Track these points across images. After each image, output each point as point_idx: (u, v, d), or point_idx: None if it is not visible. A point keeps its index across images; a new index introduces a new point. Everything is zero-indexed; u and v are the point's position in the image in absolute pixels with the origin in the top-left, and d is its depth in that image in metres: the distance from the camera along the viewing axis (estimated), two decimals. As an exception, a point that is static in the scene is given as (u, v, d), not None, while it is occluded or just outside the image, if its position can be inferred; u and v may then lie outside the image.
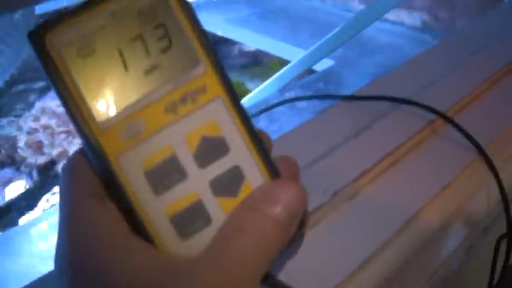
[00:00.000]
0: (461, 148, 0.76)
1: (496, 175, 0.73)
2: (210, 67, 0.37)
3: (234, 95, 0.37)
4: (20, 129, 1.71)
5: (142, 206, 0.35)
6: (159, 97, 0.36)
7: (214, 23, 2.27)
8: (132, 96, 0.35)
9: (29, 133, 1.68)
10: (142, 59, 0.36)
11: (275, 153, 0.41)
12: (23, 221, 1.34)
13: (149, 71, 0.36)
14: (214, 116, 0.37)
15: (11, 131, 1.70)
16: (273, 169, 0.38)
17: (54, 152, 1.61)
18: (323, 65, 1.71)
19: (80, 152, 0.37)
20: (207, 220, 0.36)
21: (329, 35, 1.39)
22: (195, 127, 0.36)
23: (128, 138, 0.35)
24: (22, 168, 1.56)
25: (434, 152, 0.76)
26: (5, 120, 1.74)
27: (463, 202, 0.70)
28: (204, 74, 0.36)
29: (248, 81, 1.96)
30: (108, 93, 0.35)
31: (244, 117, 0.37)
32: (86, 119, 0.35)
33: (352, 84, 1.64)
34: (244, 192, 0.37)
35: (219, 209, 0.36)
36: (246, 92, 1.61)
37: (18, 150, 1.63)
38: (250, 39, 2.16)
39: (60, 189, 0.37)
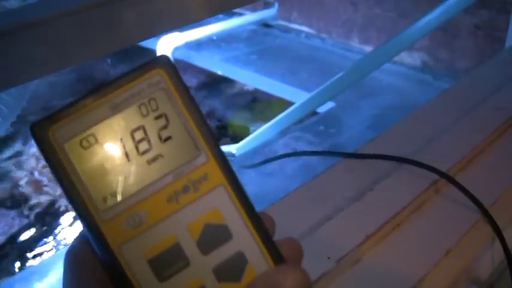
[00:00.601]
0: (464, 208, 0.76)
1: (500, 234, 0.72)
2: (211, 156, 0.37)
3: (236, 182, 0.37)
4: (21, 168, 1.71)
5: None
6: (161, 187, 0.36)
7: (214, 62, 2.28)
8: (134, 186, 0.35)
9: (30, 173, 1.69)
10: (144, 149, 0.36)
11: (280, 215, 0.41)
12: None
13: (151, 161, 0.36)
14: (217, 204, 0.37)
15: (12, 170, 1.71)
16: (275, 254, 0.37)
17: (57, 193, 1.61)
18: (324, 106, 1.71)
19: (83, 238, 0.37)
20: None
21: (334, 78, 1.40)
22: (198, 215, 0.36)
23: (131, 228, 0.35)
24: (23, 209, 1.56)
25: (437, 214, 0.76)
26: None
27: (467, 264, 0.70)
28: (205, 163, 0.37)
29: (248, 121, 1.96)
30: (110, 184, 0.35)
31: (246, 204, 0.37)
32: (89, 208, 0.35)
33: (352, 127, 1.65)
34: (247, 277, 0.36)
35: None
36: (247, 132, 1.61)
37: (19, 188, 1.63)
38: (250, 78, 2.17)
39: (64, 275, 0.36)
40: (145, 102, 0.36)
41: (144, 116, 0.36)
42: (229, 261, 0.36)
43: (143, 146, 0.36)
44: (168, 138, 0.36)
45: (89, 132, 0.35)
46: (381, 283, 0.66)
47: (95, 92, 0.36)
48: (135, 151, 0.36)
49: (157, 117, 0.36)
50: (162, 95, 0.36)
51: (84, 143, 0.35)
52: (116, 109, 0.36)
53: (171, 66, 0.37)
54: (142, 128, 0.36)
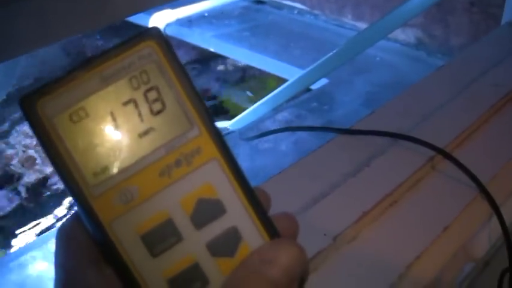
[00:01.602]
0: (461, 185, 0.76)
1: (497, 211, 0.72)
2: (204, 129, 0.36)
3: (230, 156, 0.37)
4: (11, 146, 1.70)
5: (139, 270, 0.34)
6: (153, 161, 0.35)
7: (206, 39, 2.27)
8: (125, 161, 0.35)
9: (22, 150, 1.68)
10: (135, 122, 0.35)
11: (276, 191, 0.40)
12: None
13: (143, 134, 0.35)
14: (210, 178, 0.36)
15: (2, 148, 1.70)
16: (271, 229, 0.37)
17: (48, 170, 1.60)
18: (317, 83, 1.70)
19: (75, 216, 0.36)
20: (204, 281, 0.35)
21: (327, 55, 1.39)
22: (191, 190, 0.36)
23: (122, 203, 0.34)
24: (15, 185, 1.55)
25: (434, 190, 0.75)
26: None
27: (465, 241, 0.69)
28: (198, 136, 0.36)
29: (240, 98, 1.95)
30: (101, 158, 0.34)
31: (240, 178, 0.37)
32: (79, 184, 0.34)
33: (346, 104, 1.64)
34: (242, 253, 0.36)
35: (216, 270, 0.35)
36: (239, 110, 1.60)
37: (11, 166, 1.62)
38: (242, 55, 2.16)
39: (56, 253, 0.36)
40: (136, 75, 0.35)
41: (135, 88, 0.35)
42: (223, 237, 0.36)
43: (134, 119, 0.35)
44: (160, 111, 0.36)
45: (78, 105, 0.34)
46: (377, 260, 0.65)
47: (84, 65, 0.35)
48: (126, 125, 0.35)
49: (148, 90, 0.35)
50: (154, 67, 0.36)
51: (74, 117, 0.34)
52: (106, 82, 0.35)
53: (162, 38, 0.36)
54: (133, 101, 0.35)
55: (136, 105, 0.35)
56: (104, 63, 0.35)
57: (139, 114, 0.35)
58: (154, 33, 0.36)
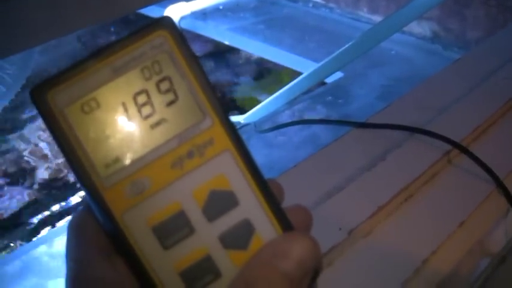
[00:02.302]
0: (478, 179, 0.75)
1: (514, 206, 0.71)
2: (217, 120, 0.36)
3: (243, 147, 0.36)
4: (25, 140, 1.70)
5: (151, 262, 0.34)
6: (165, 152, 0.35)
7: (220, 32, 2.26)
8: (137, 152, 0.34)
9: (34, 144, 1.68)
10: (147, 113, 0.35)
11: (290, 185, 0.40)
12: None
13: (154, 125, 0.35)
14: (223, 169, 0.36)
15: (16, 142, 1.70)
16: (284, 221, 0.37)
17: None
18: (332, 76, 1.69)
19: (86, 207, 0.36)
20: (216, 274, 0.35)
21: (342, 48, 1.38)
22: (203, 181, 0.35)
23: (134, 195, 0.34)
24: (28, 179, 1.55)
25: (450, 185, 0.75)
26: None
27: (481, 236, 0.69)
28: (211, 127, 0.36)
29: (255, 91, 1.94)
30: (112, 149, 0.34)
31: (253, 169, 0.36)
32: (91, 175, 0.34)
33: (361, 98, 1.63)
34: (254, 245, 0.36)
35: (229, 263, 0.35)
36: (255, 103, 1.60)
37: (24, 159, 1.63)
38: (257, 48, 2.15)
39: (67, 245, 0.36)
40: (148, 65, 0.35)
41: (147, 79, 0.35)
42: (235, 229, 0.36)
43: (146, 110, 0.35)
44: (172, 102, 0.35)
45: (90, 96, 0.34)
46: (393, 255, 0.64)
47: (95, 55, 0.35)
48: (138, 115, 0.35)
49: (160, 81, 0.35)
50: (166, 57, 0.35)
51: (85, 108, 0.34)
52: (117, 72, 0.35)
53: (174, 28, 0.36)
54: (145, 91, 0.35)
55: (148, 96, 0.35)
56: (116, 53, 0.35)
57: (151, 105, 0.35)
58: (167, 22, 0.36)
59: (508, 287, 0.69)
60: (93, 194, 0.34)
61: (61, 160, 1.59)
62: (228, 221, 0.36)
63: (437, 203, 0.72)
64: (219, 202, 0.35)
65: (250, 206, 0.36)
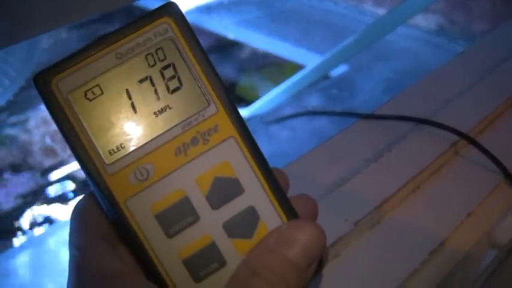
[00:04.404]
0: (485, 170, 0.74)
1: (522, 197, 0.70)
2: (221, 106, 0.36)
3: (248, 134, 0.37)
4: (29, 134, 1.70)
5: (154, 250, 0.34)
6: (169, 139, 0.35)
7: (225, 26, 2.26)
8: (141, 139, 0.35)
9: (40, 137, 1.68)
10: (151, 100, 0.35)
11: (296, 176, 0.41)
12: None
13: (159, 112, 0.35)
14: (227, 156, 0.36)
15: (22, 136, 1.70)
16: (289, 209, 0.37)
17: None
18: (337, 70, 1.69)
19: (90, 195, 0.37)
20: (221, 262, 0.35)
21: (347, 41, 1.37)
22: (207, 168, 0.35)
23: (138, 182, 0.34)
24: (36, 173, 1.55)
25: (457, 176, 0.74)
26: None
27: (489, 228, 0.68)
28: (215, 113, 0.36)
29: (260, 85, 1.94)
30: (116, 136, 0.34)
31: (258, 156, 0.37)
32: (94, 162, 0.34)
33: (366, 91, 1.62)
34: (259, 234, 0.36)
35: (233, 251, 0.35)
36: (258, 97, 1.60)
37: (30, 153, 1.63)
38: (261, 42, 2.15)
39: (70, 232, 0.36)
40: (152, 52, 0.35)
41: (151, 66, 0.35)
42: (240, 217, 0.36)
43: (150, 97, 0.35)
44: (176, 89, 0.36)
45: (94, 82, 0.35)
46: (400, 246, 0.64)
47: (99, 42, 0.35)
48: (142, 102, 0.35)
49: (164, 68, 0.35)
50: (170, 44, 0.36)
51: (89, 94, 0.34)
52: (121, 59, 0.35)
53: (179, 15, 0.36)
54: (149, 78, 0.35)
55: (152, 83, 0.35)
56: (120, 40, 0.35)
57: (156, 92, 0.35)
58: (171, 9, 0.36)
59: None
60: (97, 181, 0.34)
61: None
62: (233, 208, 0.36)
63: (445, 194, 0.71)
64: (224, 189, 0.36)
65: (255, 194, 0.36)
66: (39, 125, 1.70)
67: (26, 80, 1.78)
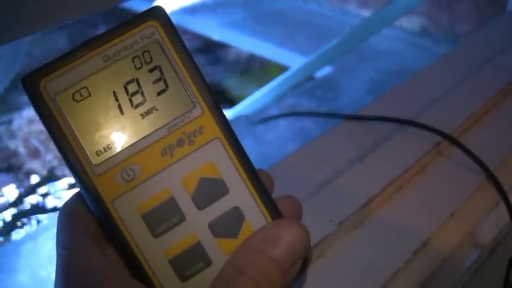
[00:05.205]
0: (468, 171, 0.75)
1: (505, 197, 0.71)
2: (207, 108, 0.37)
3: (232, 135, 0.37)
4: (14, 135, 1.70)
5: (141, 249, 0.35)
6: (156, 140, 0.36)
7: (209, 27, 2.26)
8: (128, 140, 0.35)
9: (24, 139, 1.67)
10: (137, 102, 0.36)
11: (280, 177, 0.41)
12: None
13: (145, 114, 0.36)
14: (212, 157, 0.36)
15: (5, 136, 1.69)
16: (273, 209, 0.37)
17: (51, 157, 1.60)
18: (322, 71, 1.70)
19: (78, 195, 0.37)
20: (207, 262, 0.36)
21: (331, 43, 1.38)
22: (193, 169, 0.36)
23: (124, 182, 0.35)
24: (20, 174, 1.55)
25: (441, 176, 0.75)
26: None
27: (472, 227, 0.69)
28: (200, 115, 0.36)
29: (244, 87, 1.94)
30: (103, 137, 0.35)
31: (243, 157, 0.37)
32: (81, 162, 0.34)
33: (351, 92, 1.63)
34: (244, 233, 0.36)
35: (219, 251, 0.36)
36: (243, 97, 1.60)
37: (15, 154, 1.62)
38: (246, 43, 2.15)
39: (58, 231, 0.36)
40: (139, 55, 0.36)
41: (137, 68, 0.36)
42: (225, 217, 0.36)
43: (137, 99, 0.36)
44: (163, 91, 0.36)
45: (81, 84, 0.35)
46: (384, 246, 0.65)
47: (87, 44, 0.36)
48: (128, 104, 0.36)
49: (151, 70, 0.36)
50: (156, 47, 0.36)
51: (77, 96, 0.35)
52: (108, 61, 0.35)
53: (165, 18, 0.37)
54: (135, 80, 0.36)
55: (139, 85, 0.36)
56: (107, 43, 0.36)
57: (142, 94, 0.36)
58: (157, 12, 0.37)
59: (498, 278, 0.69)
60: (84, 181, 0.34)
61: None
62: (218, 208, 0.36)
63: (428, 195, 0.72)
64: (209, 190, 0.36)
65: (240, 194, 0.37)
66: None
67: (11, 81, 1.78)
